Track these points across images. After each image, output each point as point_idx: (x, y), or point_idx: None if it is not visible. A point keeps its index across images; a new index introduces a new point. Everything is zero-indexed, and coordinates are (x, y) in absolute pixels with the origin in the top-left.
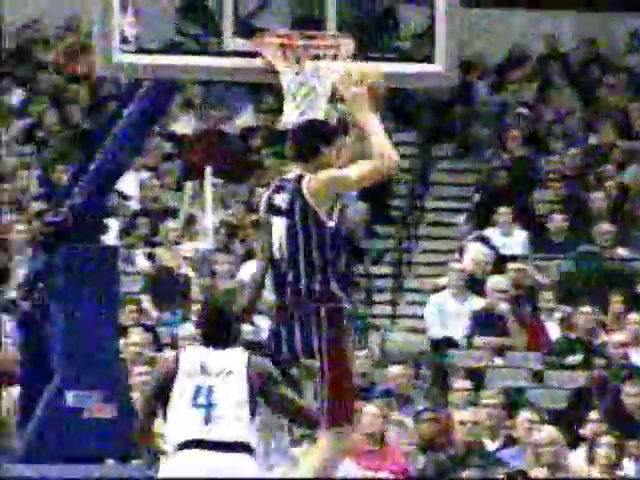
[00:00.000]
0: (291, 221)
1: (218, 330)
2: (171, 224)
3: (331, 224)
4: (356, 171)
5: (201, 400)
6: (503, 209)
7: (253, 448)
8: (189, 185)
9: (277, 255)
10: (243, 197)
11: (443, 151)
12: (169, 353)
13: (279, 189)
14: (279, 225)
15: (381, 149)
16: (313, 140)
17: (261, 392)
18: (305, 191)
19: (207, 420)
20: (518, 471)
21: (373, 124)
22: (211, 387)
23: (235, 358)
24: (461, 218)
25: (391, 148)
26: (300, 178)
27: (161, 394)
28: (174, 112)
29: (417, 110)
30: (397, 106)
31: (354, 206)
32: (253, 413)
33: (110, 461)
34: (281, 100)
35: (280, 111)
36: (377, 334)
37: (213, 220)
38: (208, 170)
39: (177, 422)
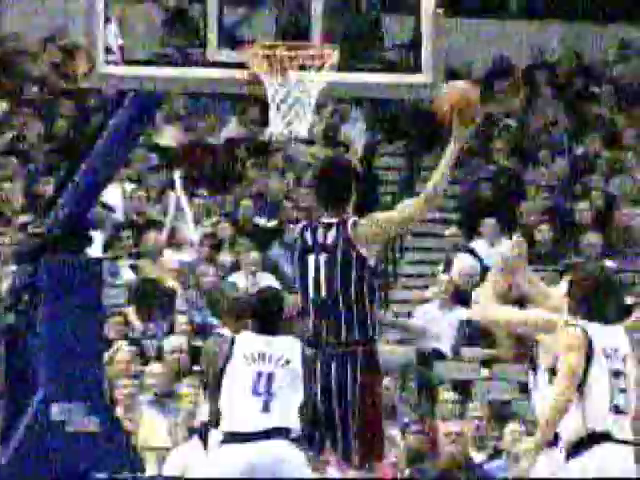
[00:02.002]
0: (335, 259)
1: (273, 317)
2: (155, 236)
3: (372, 264)
4: (401, 212)
5: (261, 388)
6: (489, 220)
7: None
8: (172, 197)
9: (312, 295)
10: (228, 208)
11: (427, 163)
12: (224, 336)
13: (317, 228)
14: (319, 263)
15: (438, 184)
16: (344, 181)
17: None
18: (351, 235)
19: (265, 408)
20: None
21: (455, 152)
22: (271, 375)
23: (291, 346)
24: (448, 229)
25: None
26: (344, 221)
27: (220, 379)
28: (159, 123)
29: (404, 121)
30: (383, 117)
31: None
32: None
33: (96, 476)
34: (266, 111)
35: (265, 122)
36: None
37: (197, 231)
38: (177, 181)
39: (235, 409)
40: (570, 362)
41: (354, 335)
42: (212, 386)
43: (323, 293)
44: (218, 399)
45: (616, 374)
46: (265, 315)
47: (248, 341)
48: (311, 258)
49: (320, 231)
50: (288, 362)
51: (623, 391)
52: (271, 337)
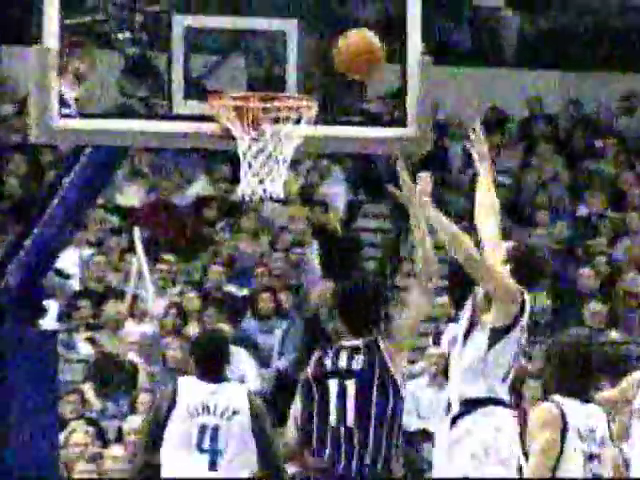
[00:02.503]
0: (368, 384)
1: (216, 361)
2: (116, 306)
3: (403, 392)
4: (417, 316)
5: (206, 444)
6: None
7: None
8: (134, 262)
9: (333, 423)
10: (195, 275)
11: None
12: (167, 387)
13: (339, 352)
14: (344, 389)
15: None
16: (376, 302)
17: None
18: (386, 356)
19: (212, 466)
20: None
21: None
22: (216, 428)
23: (237, 395)
24: (438, 298)
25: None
26: (376, 343)
27: (159, 431)
28: (120, 182)
29: (388, 179)
30: (365, 175)
31: (317, 284)
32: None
33: None
34: (237, 168)
35: (236, 180)
36: None
37: (160, 301)
38: (137, 241)
39: (178, 465)
40: (544, 440)
41: (376, 467)
42: (147, 436)
43: (350, 421)
44: (151, 452)
45: (591, 457)
46: (208, 360)
47: (191, 390)
48: (333, 383)
49: (344, 355)
50: (235, 413)
51: (596, 477)
52: (215, 385)
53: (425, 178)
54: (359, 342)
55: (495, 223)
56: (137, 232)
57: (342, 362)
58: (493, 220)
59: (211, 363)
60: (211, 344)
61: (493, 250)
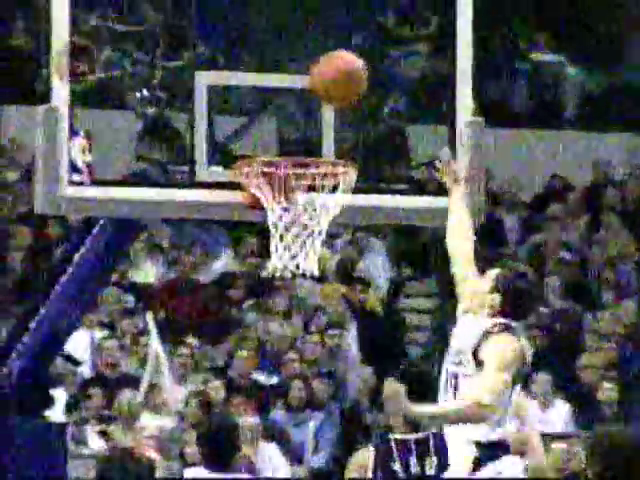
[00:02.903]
0: None
1: (224, 449)
2: (131, 395)
3: None
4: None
5: None
6: (541, 376)
7: None
8: (152, 346)
9: None
10: (220, 362)
11: None
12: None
13: (402, 451)
14: None
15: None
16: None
17: None
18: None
19: None
20: None
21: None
22: None
23: None
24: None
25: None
26: (437, 436)
27: None
28: (136, 257)
29: (435, 254)
30: (410, 249)
31: (356, 371)
32: None
33: None
34: (267, 242)
35: (266, 255)
36: None
37: (179, 389)
38: (151, 325)
39: None
40: None
41: None
42: None
43: None
44: None
45: None
46: (215, 447)
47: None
48: None
49: (411, 457)
50: None
51: None
52: (223, 475)
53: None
54: (413, 437)
55: (472, 246)
56: (149, 316)
57: (413, 466)
58: (471, 243)
59: (219, 451)
60: (218, 429)
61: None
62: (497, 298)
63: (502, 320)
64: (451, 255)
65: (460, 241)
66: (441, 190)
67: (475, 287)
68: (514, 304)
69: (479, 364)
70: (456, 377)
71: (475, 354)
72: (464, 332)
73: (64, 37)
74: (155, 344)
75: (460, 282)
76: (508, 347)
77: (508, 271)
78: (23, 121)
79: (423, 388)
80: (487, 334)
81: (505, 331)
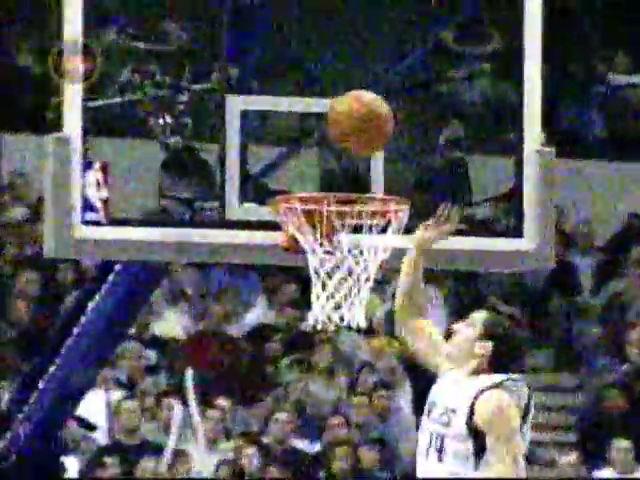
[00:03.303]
0: None
1: None
2: (153, 464)
3: None
4: None
5: None
6: (621, 442)
7: None
8: (177, 408)
9: None
10: (255, 426)
11: (536, 361)
12: None
13: None
14: None
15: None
16: None
17: None
18: None
19: None
20: None
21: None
22: None
23: None
24: (564, 456)
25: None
26: None
27: None
28: (158, 307)
29: (499, 301)
30: (470, 298)
31: (410, 437)
32: None
33: None
34: (307, 290)
35: (306, 305)
36: None
37: (208, 457)
38: (189, 383)
39: None
40: None
41: None
42: None
43: None
44: None
45: None
46: None
47: None
48: None
49: None
50: None
51: None
52: None
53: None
54: None
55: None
56: (189, 374)
57: None
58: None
59: None
60: None
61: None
62: (488, 346)
63: (498, 376)
64: (408, 328)
65: (414, 310)
66: (509, 230)
67: (459, 338)
68: (507, 352)
69: (472, 426)
70: (442, 439)
71: (470, 415)
72: (450, 389)
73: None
74: (192, 406)
75: (432, 352)
76: (510, 409)
77: (495, 314)
78: (31, 152)
79: None
80: (481, 393)
81: (499, 388)
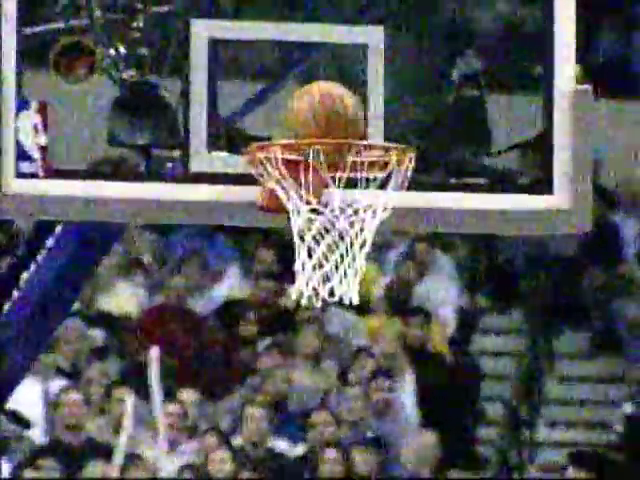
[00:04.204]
0: None
1: None
2: (100, 469)
3: None
4: None
5: None
6: None
7: None
8: (131, 400)
9: None
10: (225, 422)
11: (569, 344)
12: None
13: None
14: None
15: None
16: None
17: None
18: None
19: None
20: None
21: None
22: None
23: None
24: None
25: None
26: None
27: None
28: (107, 278)
29: (525, 277)
30: (487, 268)
31: (413, 437)
32: None
33: None
34: (289, 258)
35: (287, 276)
36: None
37: (170, 460)
38: (154, 371)
39: None
40: None
41: None
42: None
43: None
44: None
45: None
46: None
47: None
48: None
49: None
50: None
51: None
52: None
53: None
54: None
55: None
56: (155, 355)
57: None
58: None
59: None
60: None
61: None
62: None
63: None
64: None
65: None
66: (533, 186)
67: None
68: None
69: None
70: None
71: None
72: None
73: None
74: (156, 399)
75: None
76: None
77: None
78: None
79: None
80: None
81: None
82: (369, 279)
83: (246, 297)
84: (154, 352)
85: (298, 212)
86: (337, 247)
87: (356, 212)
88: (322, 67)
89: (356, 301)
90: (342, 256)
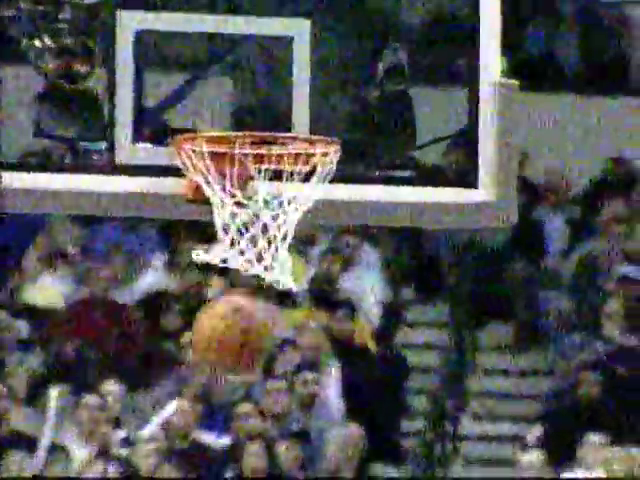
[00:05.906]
0: None
1: None
2: (23, 461)
3: None
4: None
5: None
6: (593, 436)
7: None
8: (53, 394)
9: None
10: (150, 415)
11: (493, 337)
12: None
13: None
14: None
15: None
16: None
17: None
18: None
19: None
20: None
21: None
22: None
23: None
24: (526, 456)
25: None
26: None
27: None
28: (31, 269)
29: (451, 270)
30: (414, 261)
31: (338, 430)
32: None
33: None
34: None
35: (211, 268)
36: None
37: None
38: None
39: None
40: None
41: None
42: None
43: None
44: None
45: None
46: None
47: None
48: None
49: None
50: None
51: None
52: None
53: None
54: None
55: None
56: (54, 392)
57: None
58: None
59: None
60: None
61: None
62: None
63: None
64: None
65: None
66: (459, 179)
67: None
68: None
69: None
70: None
71: None
72: None
73: None
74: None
75: None
76: None
77: None
78: None
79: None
80: None
81: None
82: (294, 271)
83: (171, 289)
84: (54, 392)
85: (223, 204)
86: (261, 239)
87: (280, 204)
88: (248, 59)
89: (291, 286)
90: (267, 249)
